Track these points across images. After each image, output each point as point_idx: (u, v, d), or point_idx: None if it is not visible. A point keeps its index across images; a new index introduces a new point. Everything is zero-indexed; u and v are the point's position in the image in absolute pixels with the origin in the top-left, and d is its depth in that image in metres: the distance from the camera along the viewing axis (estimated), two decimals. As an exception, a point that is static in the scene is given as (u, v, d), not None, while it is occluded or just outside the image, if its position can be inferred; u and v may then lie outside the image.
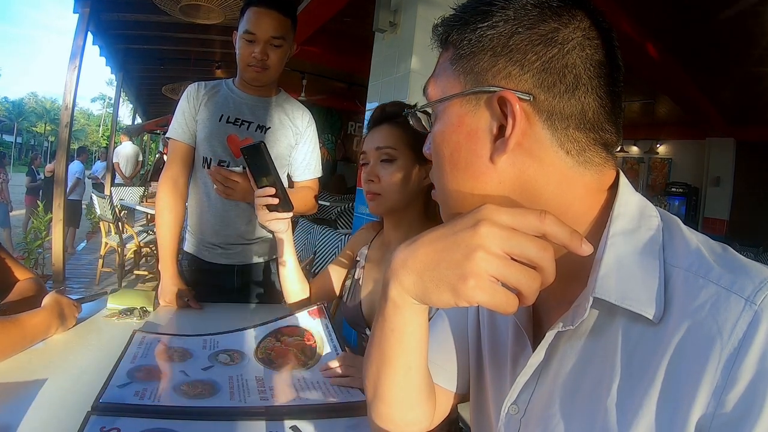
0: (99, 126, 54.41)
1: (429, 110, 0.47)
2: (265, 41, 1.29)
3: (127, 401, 0.70)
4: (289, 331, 1.02)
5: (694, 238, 0.39)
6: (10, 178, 7.39)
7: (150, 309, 1.16)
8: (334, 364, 0.88)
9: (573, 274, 0.41)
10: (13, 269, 1.07)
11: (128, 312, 1.12)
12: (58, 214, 3.31)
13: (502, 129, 0.40)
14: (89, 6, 3.38)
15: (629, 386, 0.36)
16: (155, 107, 10.38)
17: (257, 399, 0.76)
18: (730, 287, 0.34)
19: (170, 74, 6.24)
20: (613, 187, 0.42)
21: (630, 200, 0.41)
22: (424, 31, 2.42)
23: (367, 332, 1.05)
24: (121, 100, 9.28)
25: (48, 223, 4.55)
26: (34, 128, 52.34)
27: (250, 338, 1.00)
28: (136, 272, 4.45)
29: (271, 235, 1.44)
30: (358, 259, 1.15)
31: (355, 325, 1.09)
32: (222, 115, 1.35)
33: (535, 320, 0.47)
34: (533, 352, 0.43)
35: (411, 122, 0.50)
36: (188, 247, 1.45)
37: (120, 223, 4.37)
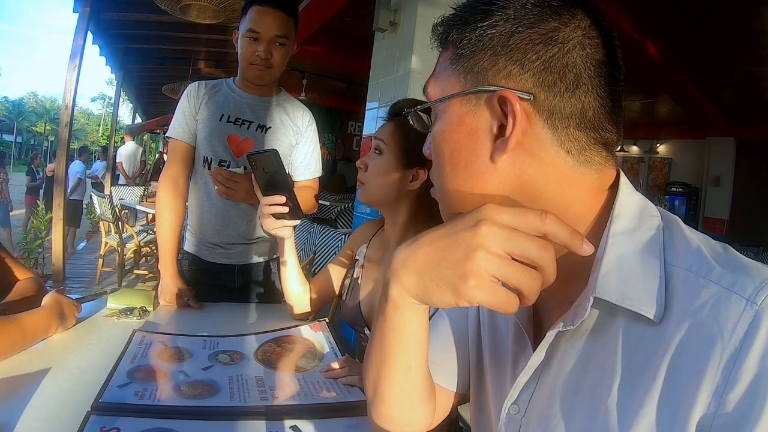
0: (99, 126, 54.40)
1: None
2: (269, 40, 1.29)
3: (127, 401, 0.70)
4: (290, 339, 1.03)
5: (694, 237, 0.39)
6: (10, 178, 7.40)
7: (150, 309, 1.16)
8: (335, 365, 0.88)
9: (573, 273, 0.41)
10: (13, 269, 1.07)
11: (128, 312, 1.12)
12: (58, 213, 3.31)
13: (502, 128, 0.39)
14: (89, 5, 3.38)
15: (630, 386, 0.36)
16: (155, 107, 10.38)
17: (257, 399, 0.76)
18: (731, 287, 0.34)
19: (170, 74, 6.24)
20: (614, 187, 0.42)
21: (630, 200, 0.41)
22: (424, 31, 2.42)
23: (366, 332, 1.05)
24: (121, 99, 9.30)
25: (48, 223, 4.55)
26: (34, 128, 52.33)
27: (251, 341, 1.01)
28: (136, 272, 4.45)
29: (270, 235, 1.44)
30: (357, 258, 1.15)
31: (354, 325, 1.09)
32: (222, 115, 1.35)
33: (536, 320, 0.47)
34: (534, 352, 0.43)
35: (411, 122, 0.50)
36: (188, 246, 1.45)
37: (120, 223, 4.37)
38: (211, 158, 1.35)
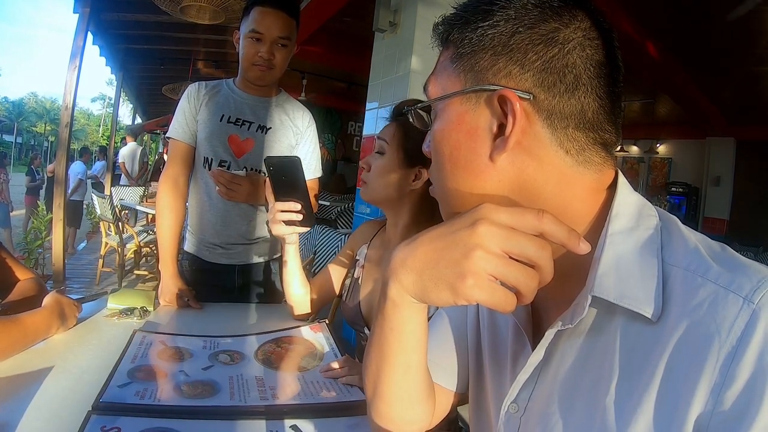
0: (99, 126, 54.41)
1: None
2: (272, 41, 1.29)
3: (128, 401, 0.70)
4: (290, 340, 1.04)
5: (692, 237, 0.40)
6: (10, 178, 7.40)
7: (150, 309, 1.17)
8: (335, 365, 0.88)
9: (572, 273, 0.41)
10: (14, 269, 1.07)
11: (128, 312, 1.12)
12: (58, 214, 3.31)
13: (501, 128, 0.40)
14: (89, 6, 3.38)
15: (628, 385, 0.36)
16: (155, 107, 10.38)
17: (257, 398, 0.76)
18: (728, 286, 0.34)
19: (170, 74, 6.24)
20: (612, 187, 0.43)
21: (629, 200, 0.42)
22: (424, 31, 2.42)
23: (366, 332, 1.05)
24: (121, 100, 9.29)
25: (48, 223, 4.55)
26: (34, 128, 52.35)
27: (251, 341, 1.01)
28: (136, 272, 4.45)
29: (270, 235, 1.44)
30: (357, 258, 1.15)
31: (354, 325, 1.09)
32: (223, 115, 1.36)
33: (535, 319, 0.48)
34: (533, 351, 0.43)
35: (411, 120, 0.50)
36: (189, 246, 1.45)
37: (120, 223, 4.37)
38: (212, 158, 1.35)
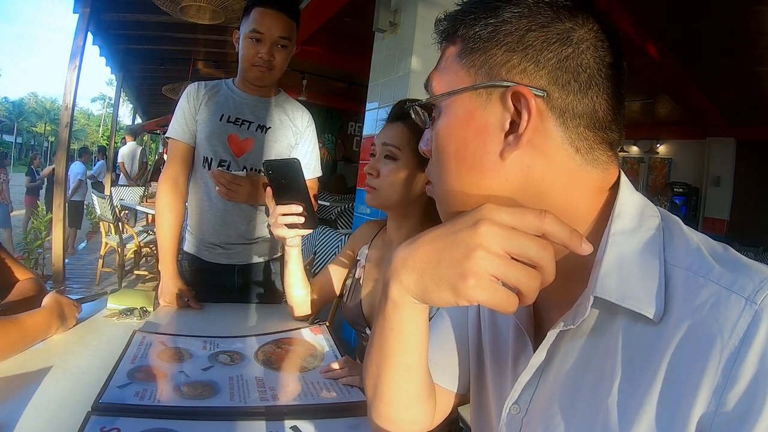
0: (99, 126, 54.42)
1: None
2: (272, 41, 1.29)
3: (128, 401, 0.70)
4: (290, 341, 1.04)
5: (694, 237, 0.39)
6: (10, 178, 7.39)
7: (150, 309, 1.16)
8: (335, 366, 0.88)
9: (573, 273, 0.41)
10: (14, 269, 1.07)
11: (128, 312, 1.12)
12: (58, 214, 3.31)
13: (512, 125, 0.39)
14: (89, 6, 3.38)
15: (630, 385, 0.36)
16: (155, 107, 10.38)
17: (257, 399, 0.76)
18: (730, 286, 0.34)
19: (170, 74, 6.24)
20: (614, 187, 0.42)
21: (631, 200, 0.41)
22: (424, 31, 2.42)
23: (367, 332, 1.05)
24: (121, 100, 9.29)
25: (48, 224, 4.55)
26: (34, 128, 52.38)
27: (251, 342, 1.01)
28: (136, 272, 4.45)
29: (270, 235, 1.44)
30: (358, 258, 1.15)
31: (355, 325, 1.09)
32: (222, 115, 1.35)
33: (536, 320, 0.47)
34: (534, 351, 0.43)
35: (412, 116, 0.49)
36: (188, 246, 1.45)
37: (120, 224, 4.37)
38: (212, 158, 1.35)
